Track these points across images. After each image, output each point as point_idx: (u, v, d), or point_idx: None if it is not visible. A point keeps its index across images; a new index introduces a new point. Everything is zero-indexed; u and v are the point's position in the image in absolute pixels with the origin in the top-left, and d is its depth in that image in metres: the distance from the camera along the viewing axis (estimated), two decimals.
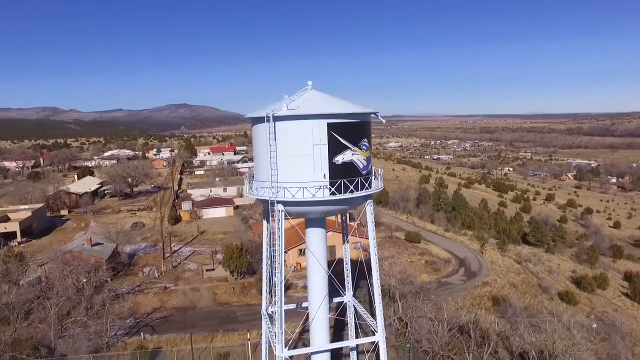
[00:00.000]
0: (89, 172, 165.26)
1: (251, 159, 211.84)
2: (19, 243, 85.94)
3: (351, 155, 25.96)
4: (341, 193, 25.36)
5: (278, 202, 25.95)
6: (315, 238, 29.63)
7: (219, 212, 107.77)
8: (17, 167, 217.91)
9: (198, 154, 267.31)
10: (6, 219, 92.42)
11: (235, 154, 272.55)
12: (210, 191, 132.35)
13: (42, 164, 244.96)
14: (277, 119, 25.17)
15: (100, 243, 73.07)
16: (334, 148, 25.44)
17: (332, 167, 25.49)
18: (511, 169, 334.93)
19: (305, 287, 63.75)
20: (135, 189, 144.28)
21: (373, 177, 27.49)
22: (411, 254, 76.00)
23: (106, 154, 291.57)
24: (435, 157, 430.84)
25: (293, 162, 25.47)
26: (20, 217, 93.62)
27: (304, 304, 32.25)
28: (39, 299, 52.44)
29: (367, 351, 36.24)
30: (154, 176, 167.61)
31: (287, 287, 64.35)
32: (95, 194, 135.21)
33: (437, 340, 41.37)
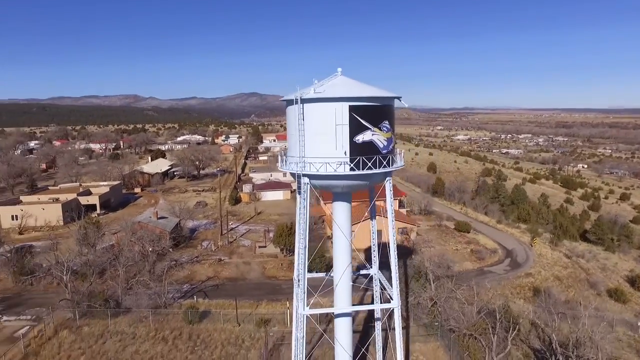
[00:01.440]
0: (162, 154, 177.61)
1: None
2: (98, 214, 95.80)
3: (371, 135, 28.42)
4: (359, 169, 27.98)
5: (304, 175, 29.05)
6: (341, 211, 32.48)
7: (277, 194, 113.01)
8: (100, 149, 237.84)
9: (264, 141, 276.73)
10: (89, 193, 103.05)
11: None
12: (271, 175, 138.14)
13: (122, 146, 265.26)
14: (304, 101, 28.15)
15: (165, 217, 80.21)
16: (355, 128, 28.00)
17: (353, 145, 28.09)
18: (585, 166, 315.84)
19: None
20: (202, 172, 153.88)
21: (393, 156, 29.75)
22: (457, 242, 76.56)
23: (179, 138, 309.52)
24: (504, 151, 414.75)
25: (318, 140, 28.36)
26: (100, 192, 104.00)
27: (332, 274, 35.22)
28: (111, 261, 59.55)
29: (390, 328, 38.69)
30: (220, 160, 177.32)
31: (330, 266, 67.69)
32: (165, 174, 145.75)
33: (464, 321, 42.91)
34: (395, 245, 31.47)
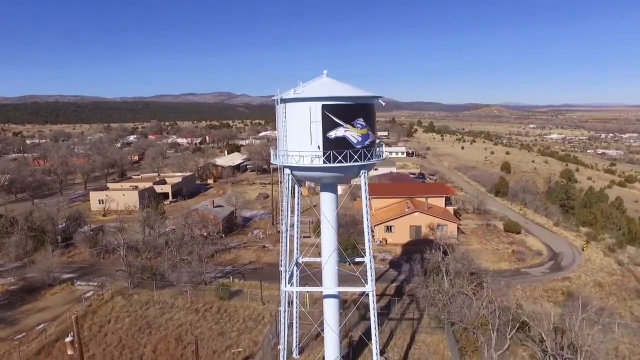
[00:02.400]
0: (237, 149, 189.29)
1: (387, 144, 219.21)
2: (170, 202, 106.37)
3: (344, 131, 31.32)
4: (330, 162, 31.05)
5: (285, 166, 32.76)
6: (327, 201, 35.69)
7: (339, 189, 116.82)
8: (187, 143, 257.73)
9: None
10: (163, 183, 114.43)
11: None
12: None
13: (207, 141, 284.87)
14: (284, 100, 31.83)
15: (222, 206, 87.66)
16: (328, 125, 31.08)
17: (326, 140, 31.19)
18: None
19: (382, 260, 69.38)
20: (272, 166, 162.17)
21: (371, 151, 32.32)
22: (500, 242, 75.36)
23: (260, 134, 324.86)
24: (600, 151, 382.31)
25: (297, 135, 31.84)
26: (173, 182, 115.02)
27: (318, 259, 38.57)
28: (166, 242, 67.39)
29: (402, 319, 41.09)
30: None
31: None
32: (237, 167, 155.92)
33: (469, 316, 43.87)
34: (370, 235, 33.99)
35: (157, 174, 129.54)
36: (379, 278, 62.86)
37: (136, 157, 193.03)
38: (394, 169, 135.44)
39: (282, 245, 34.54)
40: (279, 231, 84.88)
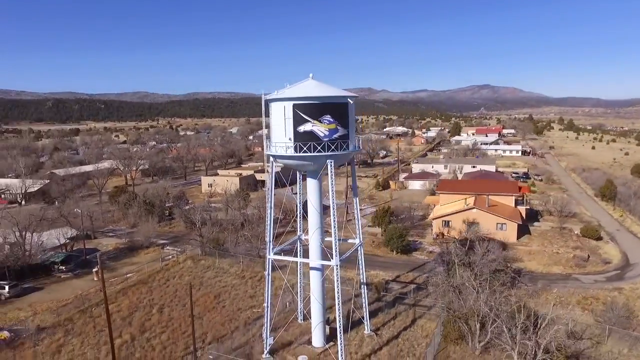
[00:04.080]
0: None
1: (507, 142, 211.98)
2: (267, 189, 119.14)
3: (311, 126, 37.01)
4: (298, 152, 37.03)
5: (270, 155, 39.57)
6: (312, 187, 41.55)
7: (420, 184, 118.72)
8: None
9: (461, 134, 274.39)
10: (263, 171, 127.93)
11: (499, 136, 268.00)
12: (432, 167, 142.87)
13: None
14: (268, 100, 38.65)
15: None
16: (298, 121, 37.11)
17: (296, 133, 37.17)
18: None
19: (430, 252, 71.91)
20: (375, 160, 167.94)
21: (342, 144, 37.43)
22: (565, 246, 71.58)
23: (385, 129, 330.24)
24: None
25: (277, 129, 38.40)
26: None
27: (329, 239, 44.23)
28: (242, 221, 78.45)
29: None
30: (404, 150, 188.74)
31: (415, 249, 73.45)
32: None
33: (464, 307, 45.79)
34: (335, 217, 38.91)
35: (262, 164, 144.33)
36: (416, 268, 65.89)
37: (259, 149, 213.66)
38: (492, 167, 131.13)
39: (267, 220, 41.47)
40: (349, 220, 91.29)
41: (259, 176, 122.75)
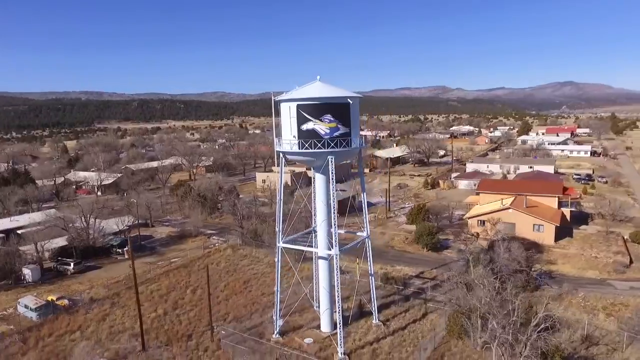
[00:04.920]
0: (405, 142, 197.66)
1: (578, 142, 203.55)
2: None
3: (313, 125, 40.16)
4: (300, 148, 40.34)
5: (279, 151, 43.23)
6: (319, 181, 44.61)
7: (469, 184, 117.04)
8: (371, 136, 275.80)
9: (529, 134, 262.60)
10: None
11: (572, 136, 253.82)
12: (487, 167, 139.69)
13: (395, 134, 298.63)
14: (277, 101, 42.33)
15: (344, 190, 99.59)
16: (301, 120, 40.39)
17: (300, 132, 40.47)
18: None
19: (459, 251, 72.23)
20: (433, 159, 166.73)
21: (338, 141, 40.27)
22: (606, 251, 68.58)
23: (452, 128, 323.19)
24: None
25: (285, 127, 41.96)
26: None
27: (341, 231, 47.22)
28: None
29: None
30: (465, 150, 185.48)
31: (447, 247, 73.91)
32: (398, 160, 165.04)
33: (469, 304, 46.69)
34: (334, 212, 41.65)
35: None
36: (443, 265, 66.54)
37: None
38: (550, 168, 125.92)
39: (277, 211, 45.14)
40: (389, 217, 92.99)
41: (311, 173, 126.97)
